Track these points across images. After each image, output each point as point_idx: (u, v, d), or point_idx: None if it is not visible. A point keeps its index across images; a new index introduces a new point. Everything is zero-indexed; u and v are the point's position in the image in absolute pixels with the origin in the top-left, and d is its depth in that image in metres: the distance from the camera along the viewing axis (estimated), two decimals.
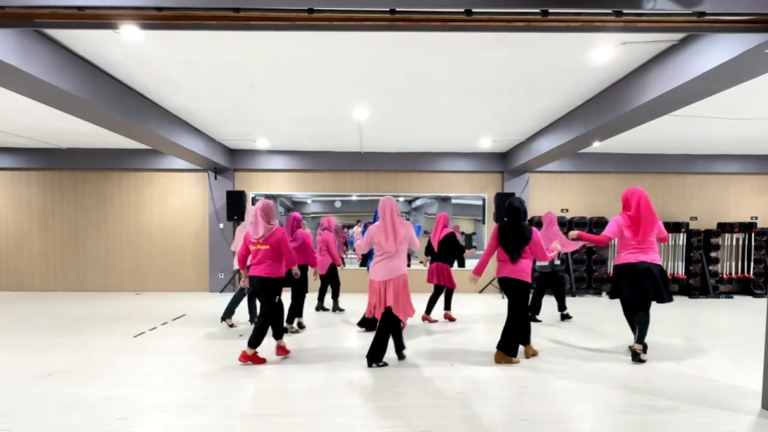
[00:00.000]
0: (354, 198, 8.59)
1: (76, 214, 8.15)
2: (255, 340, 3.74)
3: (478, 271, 3.92)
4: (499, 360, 3.85)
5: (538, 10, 2.40)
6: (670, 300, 3.82)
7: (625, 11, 2.37)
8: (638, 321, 3.85)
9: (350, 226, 9.07)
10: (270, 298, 3.81)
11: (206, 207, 8.18)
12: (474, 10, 2.39)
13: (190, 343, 4.51)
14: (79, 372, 3.58)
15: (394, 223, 3.63)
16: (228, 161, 7.95)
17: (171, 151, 6.42)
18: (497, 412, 2.85)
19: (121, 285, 8.18)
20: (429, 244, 5.59)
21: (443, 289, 5.59)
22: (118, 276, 8.19)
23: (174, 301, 7.06)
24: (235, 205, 7.69)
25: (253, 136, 7.09)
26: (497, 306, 6.82)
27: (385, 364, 3.74)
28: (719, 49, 3.15)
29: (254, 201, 8.30)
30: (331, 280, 6.03)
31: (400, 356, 3.92)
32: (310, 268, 5.03)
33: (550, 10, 2.40)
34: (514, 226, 3.78)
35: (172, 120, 5.77)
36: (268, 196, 8.45)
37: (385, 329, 3.71)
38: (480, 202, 8.53)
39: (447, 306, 5.70)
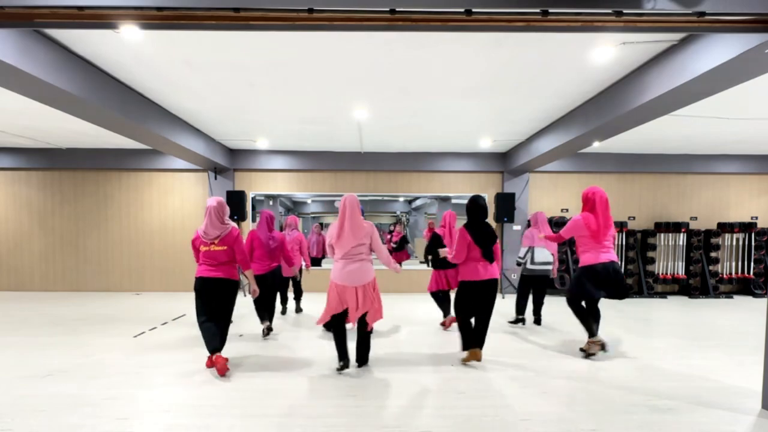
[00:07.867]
0: None
1: (76, 214, 8.15)
2: (221, 344, 3.57)
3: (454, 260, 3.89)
4: (479, 359, 3.81)
5: (538, 10, 2.40)
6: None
7: (625, 11, 2.37)
8: (598, 316, 4.15)
9: None
10: (231, 303, 3.68)
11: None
12: (474, 10, 2.39)
13: (190, 343, 4.51)
14: (79, 372, 3.58)
15: (353, 221, 3.49)
16: (228, 161, 7.95)
17: (171, 151, 6.42)
18: (497, 412, 2.85)
19: (120, 285, 8.18)
20: (433, 244, 5.16)
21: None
22: (117, 276, 8.19)
23: (174, 301, 7.06)
24: (235, 205, 7.68)
25: (253, 136, 7.09)
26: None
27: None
28: (719, 49, 3.15)
29: (254, 201, 8.30)
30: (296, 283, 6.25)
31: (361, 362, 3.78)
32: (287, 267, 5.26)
33: (550, 10, 2.40)
34: (485, 225, 3.82)
35: (172, 120, 5.77)
36: (268, 196, 8.45)
37: (366, 331, 3.72)
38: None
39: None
